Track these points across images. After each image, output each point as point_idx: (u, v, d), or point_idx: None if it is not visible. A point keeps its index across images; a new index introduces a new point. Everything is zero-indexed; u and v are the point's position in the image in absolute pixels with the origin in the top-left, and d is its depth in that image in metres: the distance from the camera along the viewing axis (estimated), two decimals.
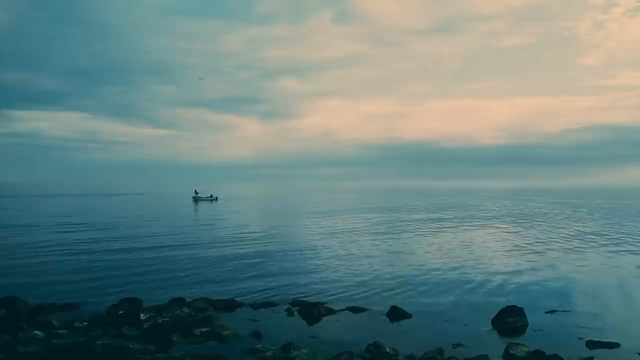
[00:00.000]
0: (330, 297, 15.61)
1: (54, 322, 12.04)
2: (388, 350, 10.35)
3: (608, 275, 19.77)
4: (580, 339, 11.52)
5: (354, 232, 36.22)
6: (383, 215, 54.82)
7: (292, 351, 10.15)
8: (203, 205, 75.06)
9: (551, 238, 32.34)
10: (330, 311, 13.87)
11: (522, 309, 12.90)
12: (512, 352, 10.29)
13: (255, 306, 14.50)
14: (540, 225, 42.26)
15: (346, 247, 27.55)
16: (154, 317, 12.62)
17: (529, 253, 25.64)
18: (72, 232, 34.73)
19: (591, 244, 29.47)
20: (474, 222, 45.69)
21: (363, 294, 16.13)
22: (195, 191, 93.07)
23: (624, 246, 28.42)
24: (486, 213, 58.91)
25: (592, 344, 11.05)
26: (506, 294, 16.33)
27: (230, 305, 14.41)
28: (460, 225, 41.69)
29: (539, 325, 12.65)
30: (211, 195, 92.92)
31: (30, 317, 12.49)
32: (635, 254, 25.49)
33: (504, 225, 41.92)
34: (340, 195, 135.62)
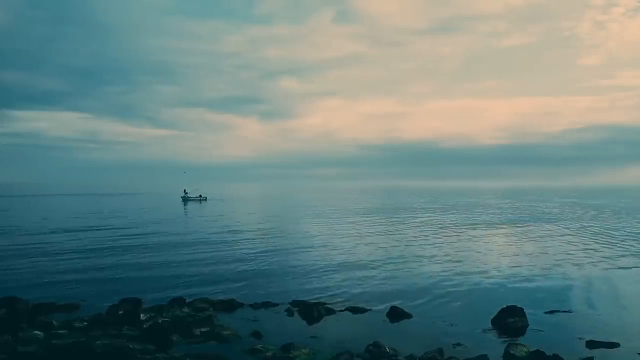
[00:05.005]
0: (330, 297, 15.60)
1: (54, 322, 12.04)
2: (388, 350, 10.35)
3: (608, 275, 19.75)
4: (580, 339, 11.51)
5: (354, 232, 36.22)
6: (383, 216, 54.83)
7: (292, 351, 10.14)
8: (192, 206, 74.63)
9: (550, 238, 32.34)
10: (330, 311, 13.87)
11: (522, 309, 12.89)
12: (512, 352, 10.28)
13: (255, 306, 14.50)
14: (541, 225, 42.23)
15: (346, 247, 27.55)
16: (154, 317, 12.62)
17: (529, 253, 25.62)
18: (73, 232, 34.74)
19: (592, 243, 29.46)
20: (474, 222, 45.69)
21: (363, 294, 16.13)
22: (185, 191, 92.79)
23: (626, 246, 28.41)
24: (487, 214, 58.91)
25: (592, 344, 11.04)
26: (506, 294, 16.32)
27: (230, 305, 14.41)
28: (459, 226, 41.69)
29: (539, 325, 12.65)
30: (200, 195, 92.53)
31: (30, 317, 12.49)
32: (637, 254, 25.47)
33: (504, 226, 41.90)
34: (340, 195, 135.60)
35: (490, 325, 12.60)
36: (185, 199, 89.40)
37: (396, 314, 13.53)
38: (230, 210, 65.98)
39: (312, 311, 13.56)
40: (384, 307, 14.15)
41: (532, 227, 39.91)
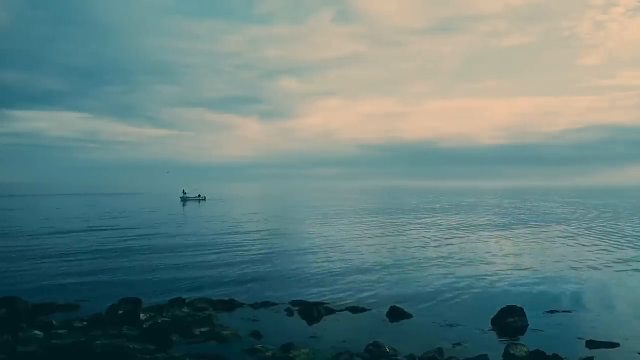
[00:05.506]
0: (330, 297, 15.61)
1: (54, 322, 12.04)
2: (388, 350, 10.35)
3: (608, 275, 19.76)
4: (580, 339, 11.52)
5: (353, 233, 36.22)
6: (382, 217, 54.82)
7: (292, 351, 10.14)
8: (191, 206, 74.40)
9: (550, 237, 32.33)
10: (330, 311, 13.87)
11: (522, 309, 12.89)
12: (512, 352, 10.28)
13: (255, 306, 14.50)
14: (541, 225, 42.23)
15: (346, 248, 27.55)
16: (154, 317, 12.62)
17: (529, 253, 25.64)
18: (72, 232, 34.73)
19: (592, 243, 29.46)
20: (475, 223, 45.69)
21: (363, 294, 16.12)
22: (184, 191, 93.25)
23: (625, 245, 28.40)
24: (487, 214, 58.90)
25: (592, 344, 11.04)
26: (506, 294, 16.33)
27: (230, 305, 14.41)
28: (460, 226, 41.69)
29: (539, 325, 12.65)
30: (199, 195, 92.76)
31: (30, 317, 12.49)
32: (634, 252, 25.46)
33: (504, 227, 41.89)
34: (340, 196, 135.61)
35: (490, 325, 12.61)
36: (185, 199, 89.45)
37: (396, 314, 13.53)
38: (230, 210, 65.97)
39: (312, 311, 13.56)
40: (384, 307, 14.14)
41: (532, 228, 39.91)
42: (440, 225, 42.26)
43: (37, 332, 11.17)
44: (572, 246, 28.28)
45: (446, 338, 11.51)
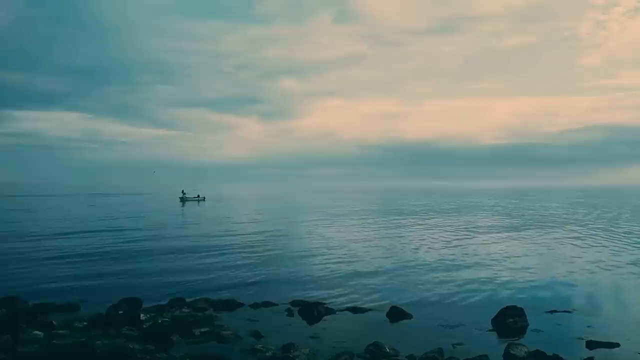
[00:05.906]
0: (330, 297, 15.60)
1: (54, 322, 12.03)
2: (388, 350, 10.35)
3: (608, 274, 19.76)
4: (580, 339, 11.52)
5: (354, 233, 36.22)
6: (383, 217, 54.83)
7: (292, 351, 10.13)
8: (191, 207, 74.17)
9: (550, 238, 32.34)
10: (330, 311, 13.87)
11: (522, 309, 12.90)
12: (512, 352, 10.28)
13: (255, 306, 14.50)
14: (541, 226, 42.25)
15: (346, 248, 27.54)
16: (154, 317, 12.62)
17: (529, 253, 25.63)
18: (72, 232, 34.73)
19: (593, 243, 29.46)
20: (475, 223, 45.70)
21: (363, 294, 16.12)
22: (183, 192, 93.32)
23: (627, 246, 28.40)
24: (488, 215, 58.88)
25: (592, 344, 11.04)
26: (506, 294, 16.33)
27: (230, 305, 14.41)
28: (460, 227, 41.69)
29: (539, 325, 12.65)
30: (198, 196, 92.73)
31: (30, 317, 12.48)
32: (636, 253, 25.46)
33: (504, 227, 41.90)
34: (340, 196, 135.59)
35: (490, 325, 12.61)
36: (184, 200, 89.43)
37: (396, 314, 13.53)
38: (229, 211, 65.98)
39: (312, 311, 13.56)
40: (384, 307, 14.14)
41: (532, 229, 39.93)
42: (440, 226, 42.26)
43: (37, 332, 11.16)
44: (572, 246, 28.27)
45: (446, 338, 11.51)
